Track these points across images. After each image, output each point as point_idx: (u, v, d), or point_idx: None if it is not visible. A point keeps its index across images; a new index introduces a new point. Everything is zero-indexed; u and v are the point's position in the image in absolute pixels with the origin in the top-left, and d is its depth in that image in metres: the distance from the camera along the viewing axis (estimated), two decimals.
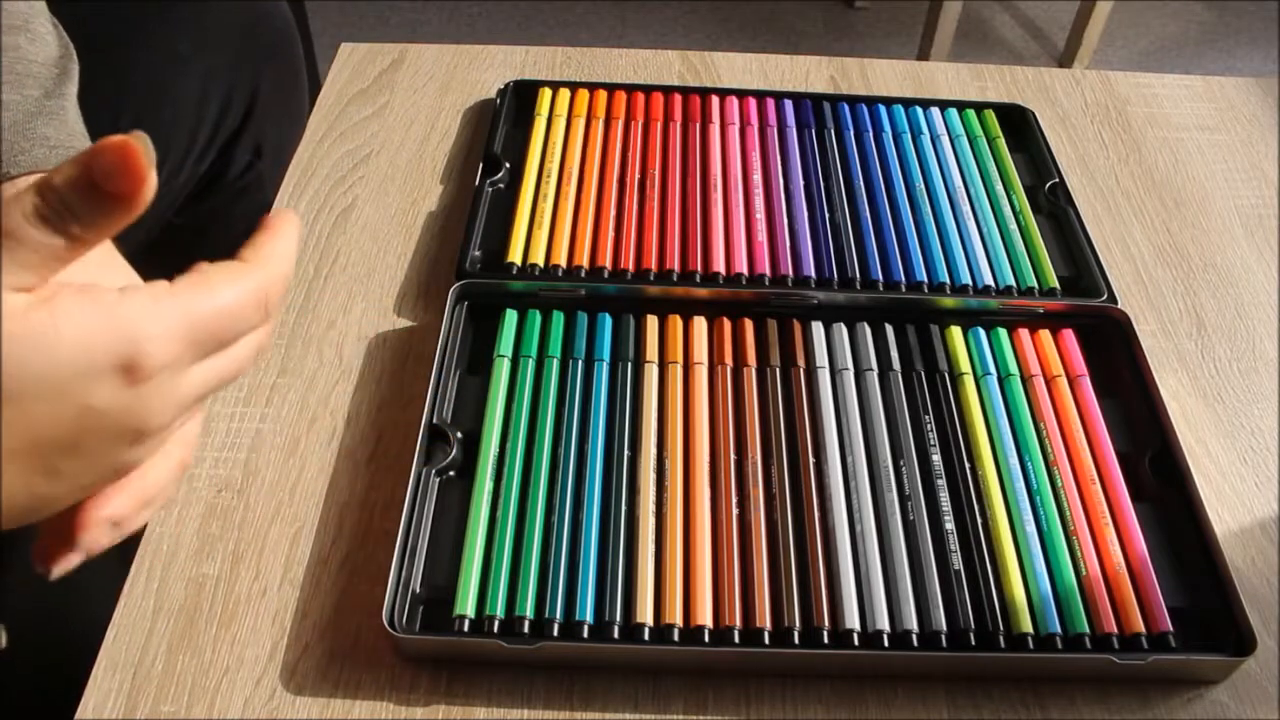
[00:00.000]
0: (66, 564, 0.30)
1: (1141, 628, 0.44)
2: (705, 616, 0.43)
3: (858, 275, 0.58)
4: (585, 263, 0.58)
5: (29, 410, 0.26)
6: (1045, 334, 0.55)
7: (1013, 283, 0.58)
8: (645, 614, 0.43)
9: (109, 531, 0.31)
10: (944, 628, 0.44)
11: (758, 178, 0.64)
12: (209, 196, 0.71)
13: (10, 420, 0.25)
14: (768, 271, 0.58)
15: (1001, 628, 0.44)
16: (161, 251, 0.70)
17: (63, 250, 0.26)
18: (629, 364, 0.53)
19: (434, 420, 0.49)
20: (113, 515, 0.31)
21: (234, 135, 0.69)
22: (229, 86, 0.68)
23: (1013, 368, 0.54)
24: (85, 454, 0.27)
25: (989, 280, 0.58)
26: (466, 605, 0.43)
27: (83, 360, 0.26)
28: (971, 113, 0.69)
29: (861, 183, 0.64)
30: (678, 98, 0.69)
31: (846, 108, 0.69)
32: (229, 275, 0.28)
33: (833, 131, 0.67)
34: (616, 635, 0.43)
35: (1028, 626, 0.44)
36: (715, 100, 0.69)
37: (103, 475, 0.29)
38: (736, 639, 0.43)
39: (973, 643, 0.43)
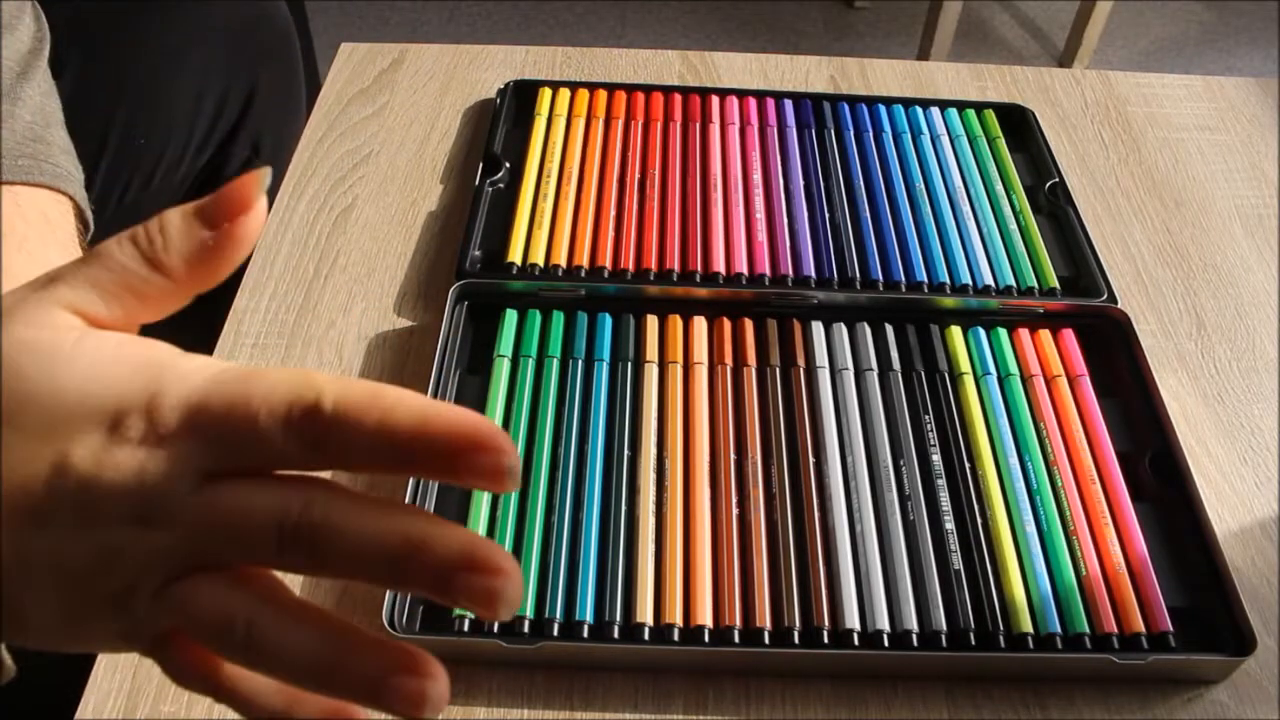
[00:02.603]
0: None
1: (1141, 627, 0.44)
2: (705, 616, 0.43)
3: (858, 275, 0.58)
4: (585, 263, 0.58)
5: (4, 438, 0.22)
6: (1045, 334, 0.55)
7: (1013, 283, 0.58)
8: (645, 614, 0.43)
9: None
10: (944, 628, 0.44)
11: (758, 178, 0.64)
12: (209, 191, 0.72)
13: None
14: (768, 271, 0.58)
15: (1001, 628, 0.44)
16: None
17: (140, 278, 0.23)
18: (629, 364, 0.53)
19: None
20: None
21: (232, 131, 0.70)
22: (226, 83, 0.69)
23: (1013, 368, 0.54)
24: (51, 528, 0.22)
25: (989, 280, 0.58)
26: None
27: (80, 401, 0.22)
28: (971, 113, 0.69)
29: (861, 183, 0.64)
30: (678, 98, 0.69)
31: (846, 108, 0.69)
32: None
33: (833, 131, 0.67)
34: (616, 635, 0.43)
35: (1028, 626, 0.44)
36: (715, 100, 0.69)
37: (75, 572, 0.23)
38: (736, 639, 0.43)
39: (973, 643, 0.43)
